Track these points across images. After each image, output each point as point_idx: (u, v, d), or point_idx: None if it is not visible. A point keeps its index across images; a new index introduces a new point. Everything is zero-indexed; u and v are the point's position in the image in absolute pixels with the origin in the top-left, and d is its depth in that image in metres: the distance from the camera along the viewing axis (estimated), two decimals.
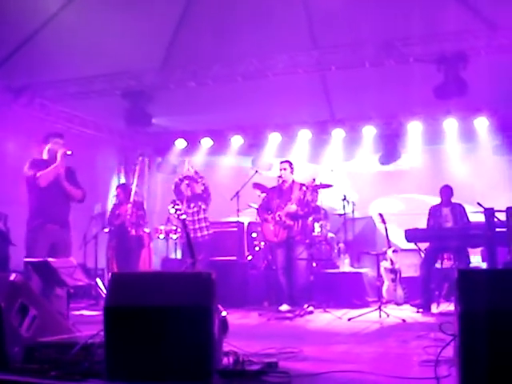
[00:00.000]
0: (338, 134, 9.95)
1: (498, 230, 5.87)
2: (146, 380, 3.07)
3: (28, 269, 5.38)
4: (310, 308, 6.75)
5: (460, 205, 7.29)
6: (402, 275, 7.34)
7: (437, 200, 7.50)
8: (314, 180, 6.96)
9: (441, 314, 6.49)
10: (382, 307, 6.29)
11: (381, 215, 7.58)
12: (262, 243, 8.23)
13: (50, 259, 4.97)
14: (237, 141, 10.47)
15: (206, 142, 10.52)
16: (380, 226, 7.75)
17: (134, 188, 8.16)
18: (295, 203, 6.92)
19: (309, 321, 6.28)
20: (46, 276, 5.03)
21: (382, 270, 7.17)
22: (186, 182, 8.03)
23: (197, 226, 7.79)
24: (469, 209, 7.22)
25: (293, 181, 7.14)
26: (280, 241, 6.95)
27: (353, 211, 8.89)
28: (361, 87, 8.25)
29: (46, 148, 5.67)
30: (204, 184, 7.94)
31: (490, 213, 5.90)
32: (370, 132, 9.80)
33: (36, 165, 5.57)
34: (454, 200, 7.33)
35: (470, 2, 6.80)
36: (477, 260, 7.94)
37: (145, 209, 8.63)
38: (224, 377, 3.15)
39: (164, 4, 7.14)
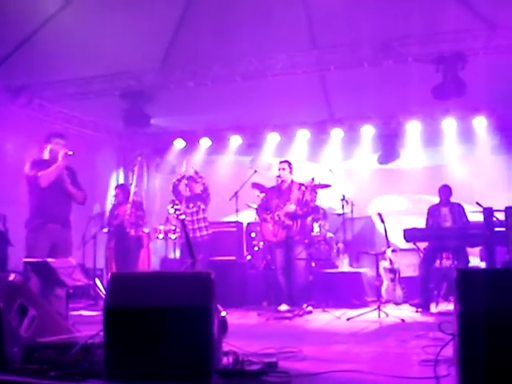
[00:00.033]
0: (336, 134, 9.95)
1: (496, 229, 5.87)
2: (145, 380, 3.07)
3: (27, 269, 5.39)
4: (309, 308, 6.75)
5: (459, 204, 7.30)
6: (401, 275, 7.34)
7: (435, 200, 7.51)
8: (313, 180, 6.96)
9: (440, 313, 6.50)
10: (381, 307, 6.29)
11: (380, 215, 7.59)
12: (261, 243, 8.24)
13: (49, 259, 4.97)
14: (236, 141, 10.47)
15: (205, 142, 10.51)
16: (379, 225, 7.76)
17: (133, 188, 8.15)
18: (294, 203, 6.92)
19: (308, 321, 6.28)
20: (45, 276, 5.03)
21: (381, 269, 7.18)
22: (185, 181, 8.04)
23: (196, 226, 7.79)
24: (468, 208, 7.22)
25: (292, 181, 7.15)
26: (279, 241, 6.96)
27: (352, 211, 8.89)
28: (359, 87, 8.26)
29: (48, 148, 5.67)
30: (204, 184, 7.94)
31: (488, 212, 5.91)
32: (368, 132, 9.80)
33: (37, 165, 5.58)
34: (452, 199, 7.34)
35: (469, 2, 6.81)
36: (476, 261, 7.94)
37: (144, 209, 8.62)
38: (224, 377, 3.15)
39: (164, 4, 7.14)
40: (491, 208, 5.95)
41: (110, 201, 9.73)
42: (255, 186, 8.12)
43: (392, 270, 7.27)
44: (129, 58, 7.59)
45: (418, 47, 7.22)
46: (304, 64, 7.70)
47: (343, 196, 8.75)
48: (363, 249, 8.76)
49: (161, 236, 9.09)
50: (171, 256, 9.61)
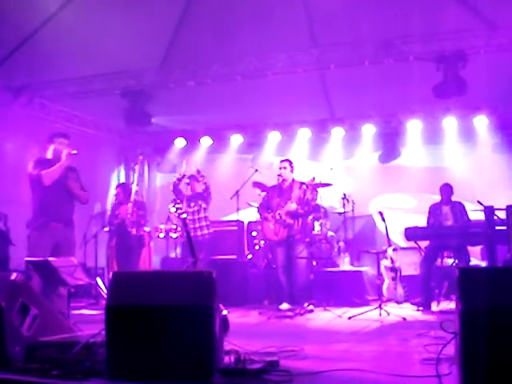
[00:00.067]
0: (337, 133, 9.95)
1: (497, 228, 5.87)
2: (147, 379, 3.07)
3: (29, 268, 5.39)
4: (310, 307, 6.76)
5: (460, 203, 7.30)
6: (402, 273, 7.35)
7: (437, 198, 7.51)
8: (314, 179, 6.96)
9: (441, 312, 6.50)
10: (382, 305, 6.29)
11: (381, 214, 7.59)
12: (262, 242, 8.23)
13: (50, 258, 4.98)
14: (236, 140, 10.46)
15: (206, 141, 10.51)
16: (380, 224, 7.76)
17: (134, 187, 8.15)
18: (295, 202, 6.92)
19: (309, 319, 6.29)
20: (46, 275, 5.03)
21: (382, 268, 7.18)
22: (187, 180, 8.05)
23: (197, 225, 7.80)
24: (469, 207, 7.21)
25: (293, 179, 7.15)
26: (280, 239, 6.96)
27: (353, 210, 8.89)
28: (360, 86, 8.25)
29: (51, 148, 5.67)
30: (205, 183, 7.94)
31: (489, 211, 5.90)
32: (369, 130, 9.80)
33: (40, 164, 5.58)
34: (453, 198, 7.34)
35: (470, 1, 6.81)
36: (476, 261, 7.95)
37: (146, 209, 8.62)
38: (225, 375, 3.15)
39: (164, 4, 7.14)
40: (492, 207, 5.94)
41: (110, 200, 9.73)
42: (256, 184, 8.12)
43: (393, 269, 7.27)
44: (129, 57, 7.59)
45: (418, 46, 7.21)
46: (304, 63, 7.69)
47: (344, 195, 8.75)
48: (364, 247, 8.77)
49: (162, 235, 9.09)
50: (172, 255, 9.62)
